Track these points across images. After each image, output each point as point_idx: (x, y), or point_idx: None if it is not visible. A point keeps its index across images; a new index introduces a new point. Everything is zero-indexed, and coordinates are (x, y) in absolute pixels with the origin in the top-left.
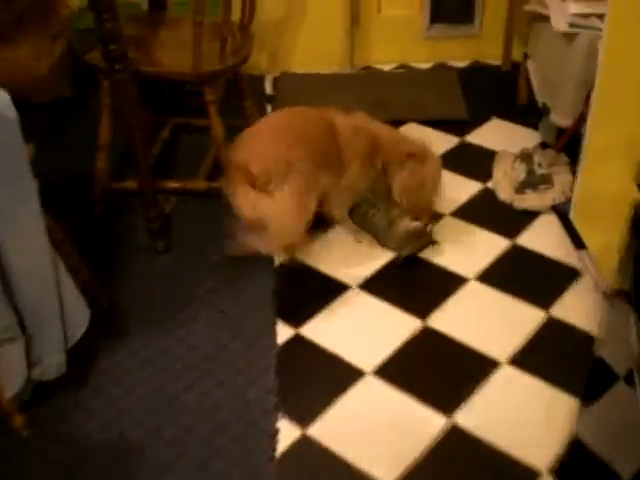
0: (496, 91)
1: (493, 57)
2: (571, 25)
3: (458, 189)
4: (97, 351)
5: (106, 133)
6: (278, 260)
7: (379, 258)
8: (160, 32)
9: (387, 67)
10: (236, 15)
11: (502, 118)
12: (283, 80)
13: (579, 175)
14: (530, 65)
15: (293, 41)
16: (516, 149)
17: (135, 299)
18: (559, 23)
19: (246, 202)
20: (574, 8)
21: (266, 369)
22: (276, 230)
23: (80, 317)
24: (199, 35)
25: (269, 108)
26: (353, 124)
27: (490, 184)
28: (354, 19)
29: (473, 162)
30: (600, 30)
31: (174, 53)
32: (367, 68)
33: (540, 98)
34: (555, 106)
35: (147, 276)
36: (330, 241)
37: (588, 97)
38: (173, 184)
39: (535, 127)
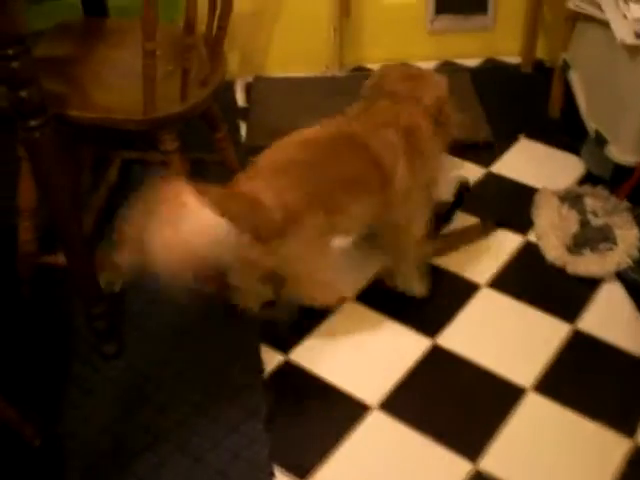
0: (519, 100)
1: (510, 54)
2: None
3: (493, 245)
4: None
5: (28, 194)
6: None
7: None
8: (96, 52)
9: None
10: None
11: (532, 138)
12: (258, 87)
13: None
14: (573, 77)
15: (269, 37)
16: (557, 183)
17: (77, 433)
18: (623, 32)
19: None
20: None
21: None
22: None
23: None
24: (151, 69)
25: (243, 129)
26: (371, 125)
27: (532, 236)
28: (343, 9)
29: (507, 204)
30: None
31: (116, 88)
32: (359, 69)
33: (592, 124)
34: (615, 138)
35: (92, 395)
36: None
37: None
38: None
39: (574, 150)
